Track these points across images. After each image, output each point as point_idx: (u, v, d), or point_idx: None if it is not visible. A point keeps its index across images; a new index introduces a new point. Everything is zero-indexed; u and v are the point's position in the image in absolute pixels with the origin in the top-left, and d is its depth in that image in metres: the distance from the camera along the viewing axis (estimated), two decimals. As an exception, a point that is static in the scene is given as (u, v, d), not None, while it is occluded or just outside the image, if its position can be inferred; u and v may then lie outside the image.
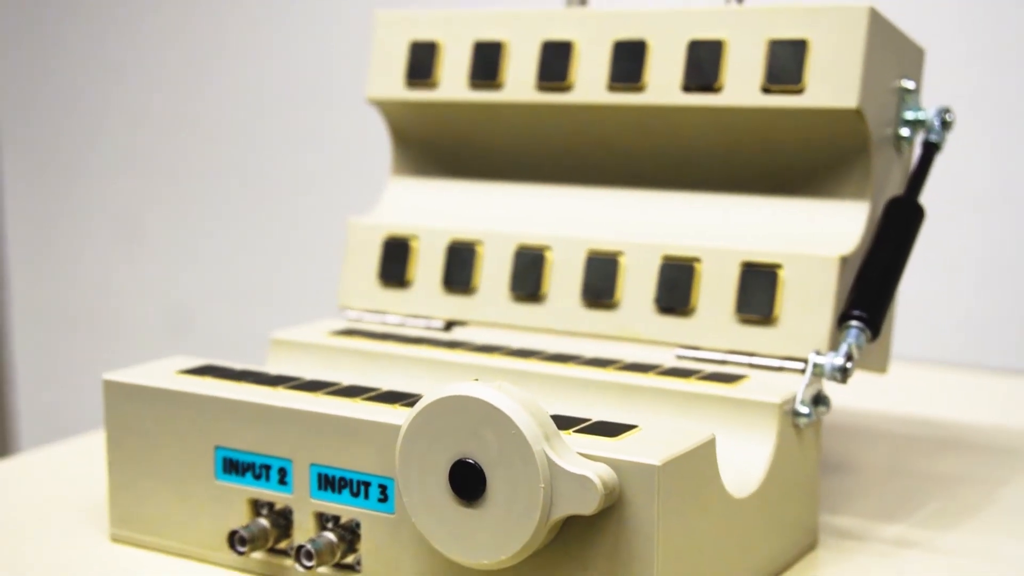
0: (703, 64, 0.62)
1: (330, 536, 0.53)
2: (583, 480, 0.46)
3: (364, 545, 0.53)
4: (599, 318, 0.64)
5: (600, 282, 0.64)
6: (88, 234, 1.85)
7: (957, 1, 1.15)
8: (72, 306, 1.88)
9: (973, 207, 1.15)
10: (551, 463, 0.46)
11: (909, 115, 0.63)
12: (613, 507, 0.47)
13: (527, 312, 0.65)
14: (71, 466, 0.71)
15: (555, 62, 0.66)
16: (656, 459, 0.46)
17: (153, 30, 1.75)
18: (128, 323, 1.81)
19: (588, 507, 0.46)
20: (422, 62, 0.69)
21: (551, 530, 0.47)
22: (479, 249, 0.67)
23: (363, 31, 1.53)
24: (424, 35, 0.69)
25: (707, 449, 0.49)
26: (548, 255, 0.65)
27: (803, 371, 0.58)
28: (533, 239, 0.66)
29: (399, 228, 0.69)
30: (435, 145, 0.71)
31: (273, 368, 0.62)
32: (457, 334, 0.67)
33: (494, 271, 0.66)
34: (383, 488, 0.52)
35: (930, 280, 1.16)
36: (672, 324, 0.62)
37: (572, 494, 0.46)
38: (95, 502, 0.64)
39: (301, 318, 1.05)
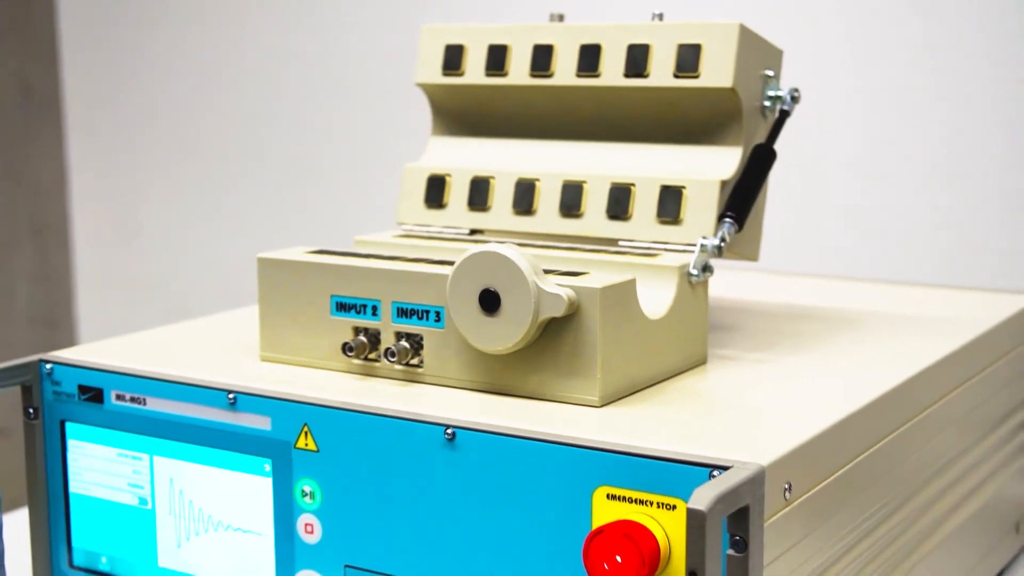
0: (637, 59, 0.96)
1: (405, 344, 0.86)
2: (556, 296, 0.79)
3: (425, 350, 0.85)
4: (571, 224, 0.97)
5: (572, 201, 0.97)
6: (150, 214, 2.17)
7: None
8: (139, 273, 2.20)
9: (839, 161, 1.55)
10: (538, 287, 0.80)
11: (770, 93, 0.96)
12: (573, 315, 0.80)
13: (525, 222, 0.99)
14: (221, 327, 1.04)
15: (542, 58, 0.99)
16: (598, 285, 0.80)
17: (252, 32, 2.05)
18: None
19: (559, 311, 0.79)
20: (453, 58, 1.03)
21: (538, 328, 0.81)
22: (492, 182, 1.01)
23: (385, 31, 1.87)
24: (454, 40, 1.03)
25: (630, 285, 0.83)
26: (538, 184, 0.99)
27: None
28: (528, 174, 0.99)
29: (438, 169, 1.03)
30: (461, 114, 1.05)
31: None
32: (478, 237, 1.01)
33: (502, 196, 1.00)
34: (438, 313, 0.85)
35: (804, 213, 1.55)
36: (617, 226, 0.96)
37: (550, 304, 0.79)
38: (246, 342, 0.97)
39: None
